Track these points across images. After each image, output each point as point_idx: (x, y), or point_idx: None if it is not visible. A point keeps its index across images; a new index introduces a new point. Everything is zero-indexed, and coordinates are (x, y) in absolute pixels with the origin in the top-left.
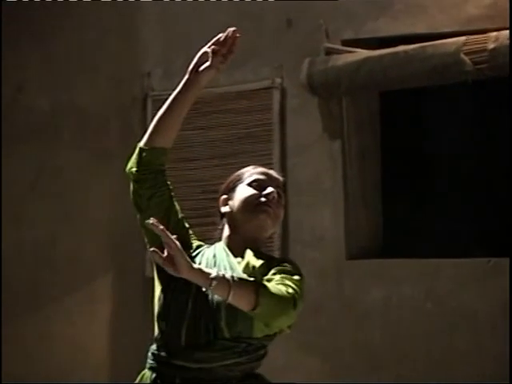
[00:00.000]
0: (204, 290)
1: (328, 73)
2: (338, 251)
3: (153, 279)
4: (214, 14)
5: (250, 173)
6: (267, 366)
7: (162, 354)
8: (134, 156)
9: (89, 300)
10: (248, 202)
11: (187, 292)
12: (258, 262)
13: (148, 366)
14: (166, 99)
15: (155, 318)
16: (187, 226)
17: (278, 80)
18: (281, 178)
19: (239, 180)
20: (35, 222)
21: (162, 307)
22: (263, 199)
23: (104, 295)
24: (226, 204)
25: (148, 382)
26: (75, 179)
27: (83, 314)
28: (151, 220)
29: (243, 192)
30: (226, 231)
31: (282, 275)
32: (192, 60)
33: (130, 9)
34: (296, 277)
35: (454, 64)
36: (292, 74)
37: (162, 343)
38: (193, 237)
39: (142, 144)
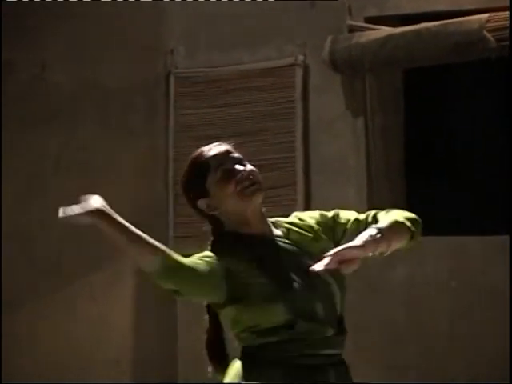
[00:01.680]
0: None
1: (351, 50)
2: None
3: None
4: None
5: (206, 164)
6: None
7: (305, 348)
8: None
9: (113, 278)
10: (234, 195)
11: (296, 288)
12: (300, 228)
13: (277, 362)
14: (190, 76)
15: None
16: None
17: (301, 57)
18: (227, 146)
19: (202, 177)
20: (60, 199)
21: (287, 308)
22: (245, 182)
23: (128, 273)
24: (210, 207)
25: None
26: (99, 156)
27: (107, 292)
28: (317, 269)
29: (221, 188)
30: (230, 228)
31: (371, 213)
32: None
33: None
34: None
35: (477, 41)
36: (315, 52)
37: (300, 339)
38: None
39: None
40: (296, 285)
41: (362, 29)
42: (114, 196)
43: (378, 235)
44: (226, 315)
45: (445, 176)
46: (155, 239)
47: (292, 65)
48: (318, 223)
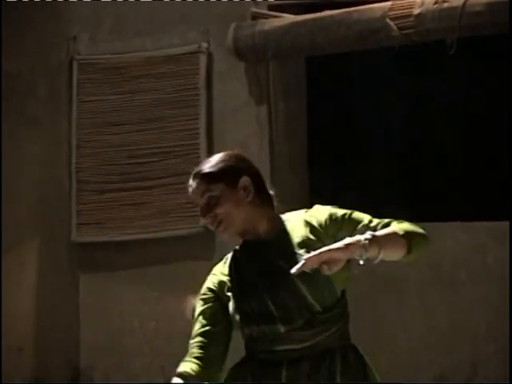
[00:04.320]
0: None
1: (254, 37)
2: None
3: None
4: None
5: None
6: None
7: (263, 344)
8: None
9: (16, 264)
10: None
11: (260, 292)
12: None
13: (245, 357)
14: (93, 63)
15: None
16: (211, 290)
17: (205, 44)
18: (201, 179)
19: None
20: None
21: (242, 315)
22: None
23: (31, 260)
24: None
25: (248, 370)
26: (4, 144)
27: (10, 280)
28: (294, 270)
29: None
30: None
31: (384, 221)
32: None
33: None
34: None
35: (380, 29)
36: (219, 39)
37: (258, 338)
38: (215, 282)
39: None
40: (255, 289)
41: (265, 16)
42: (17, 184)
43: (366, 241)
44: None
45: (347, 163)
46: (59, 226)
47: (195, 52)
48: (324, 221)
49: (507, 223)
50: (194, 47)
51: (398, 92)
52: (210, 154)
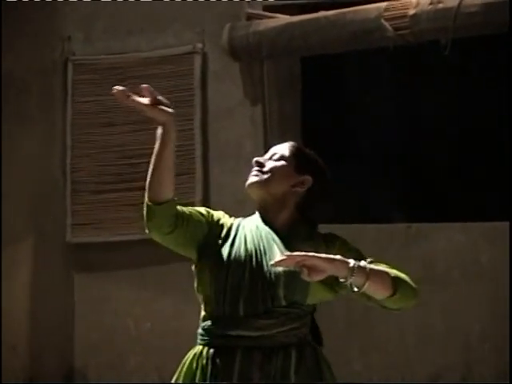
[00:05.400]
0: (264, 264)
1: (249, 38)
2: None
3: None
4: None
5: None
6: None
7: (219, 327)
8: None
9: (10, 263)
10: None
11: (243, 266)
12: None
13: (202, 342)
14: (88, 63)
15: (207, 296)
16: (204, 212)
17: (200, 45)
18: (288, 144)
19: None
20: None
21: (218, 283)
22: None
23: (26, 259)
24: None
25: (205, 356)
26: None
27: (4, 277)
28: (273, 262)
29: None
30: None
31: (383, 264)
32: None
33: None
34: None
35: (375, 30)
36: (213, 39)
37: (218, 317)
38: (216, 215)
39: (148, 201)
40: (240, 267)
41: (260, 17)
42: (12, 183)
43: (356, 265)
44: (197, 275)
45: (342, 163)
46: (53, 227)
47: (190, 52)
48: (332, 243)
49: (501, 224)
50: (188, 47)
51: (393, 92)
52: (205, 154)
